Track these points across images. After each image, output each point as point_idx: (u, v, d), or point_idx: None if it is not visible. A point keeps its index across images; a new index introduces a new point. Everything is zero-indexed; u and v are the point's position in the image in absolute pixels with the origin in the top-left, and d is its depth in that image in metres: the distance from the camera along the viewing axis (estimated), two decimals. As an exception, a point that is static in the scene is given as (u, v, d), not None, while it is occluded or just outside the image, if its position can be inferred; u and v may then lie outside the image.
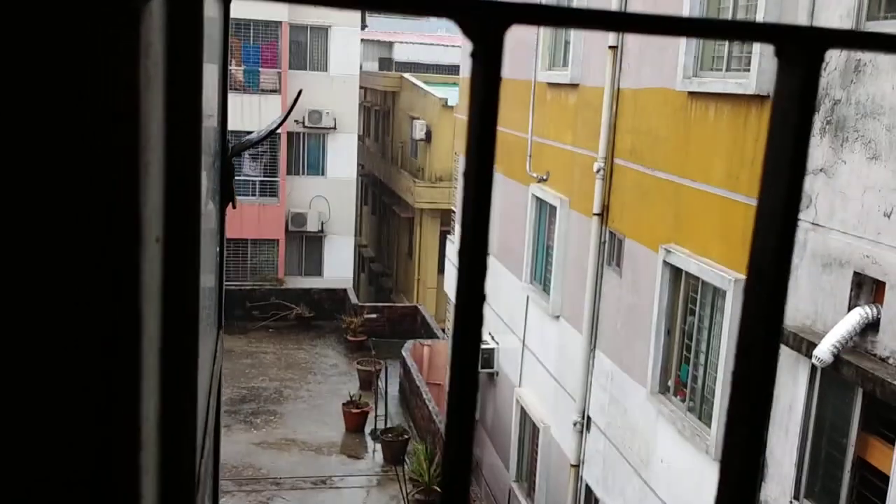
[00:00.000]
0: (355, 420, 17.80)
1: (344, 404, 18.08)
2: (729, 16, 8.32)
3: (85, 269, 0.44)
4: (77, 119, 0.42)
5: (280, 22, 25.68)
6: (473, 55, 0.42)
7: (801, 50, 0.44)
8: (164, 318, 0.60)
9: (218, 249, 1.49)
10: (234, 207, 1.63)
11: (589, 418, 11.19)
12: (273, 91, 25.69)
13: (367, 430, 17.83)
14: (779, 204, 0.45)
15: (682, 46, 8.85)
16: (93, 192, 0.43)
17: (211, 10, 1.17)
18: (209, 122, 1.36)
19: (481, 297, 0.45)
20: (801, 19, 6.97)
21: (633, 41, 10.22)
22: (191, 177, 0.68)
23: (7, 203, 0.42)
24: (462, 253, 0.43)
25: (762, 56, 7.48)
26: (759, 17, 7.51)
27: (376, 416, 17.66)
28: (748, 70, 7.82)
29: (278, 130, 25.50)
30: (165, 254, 0.59)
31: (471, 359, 0.46)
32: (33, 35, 0.42)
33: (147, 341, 0.49)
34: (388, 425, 17.40)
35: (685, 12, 8.79)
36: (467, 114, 0.44)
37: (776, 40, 0.44)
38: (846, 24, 6.50)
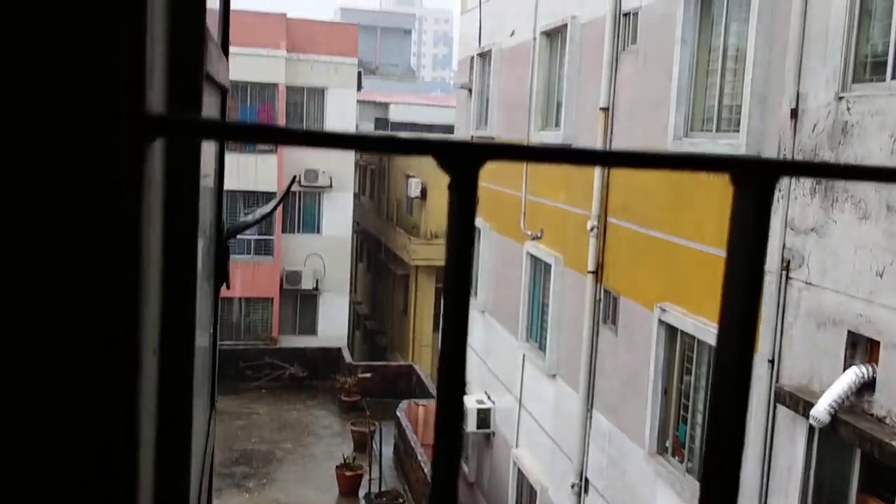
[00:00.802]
0: (349, 483, 17.53)
1: (337, 467, 17.82)
2: (717, 84, 8.49)
3: (82, 386, 0.47)
4: (81, 256, 0.45)
5: (277, 84, 26.08)
6: (450, 187, 0.45)
7: (754, 179, 0.47)
8: (159, 419, 0.62)
9: (212, 331, 1.51)
10: (227, 288, 1.66)
11: (587, 480, 11.06)
12: (269, 151, 25.93)
13: (362, 493, 17.54)
14: (736, 319, 0.48)
15: (673, 107, 9.01)
16: (93, 312, 0.46)
17: (209, 104, 1.22)
18: (207, 200, 1.40)
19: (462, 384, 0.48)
20: (788, 84, 7.12)
21: (624, 102, 10.40)
22: (186, 291, 0.71)
23: (8, 327, 0.45)
24: (440, 373, 0.46)
25: (751, 117, 7.61)
26: (747, 83, 7.67)
27: (370, 479, 17.40)
28: (737, 131, 7.96)
29: (274, 190, 25.67)
30: (161, 365, 0.62)
31: (455, 420, 0.49)
32: (41, 174, 0.45)
33: (143, 452, 0.52)
34: (383, 488, 17.14)
35: (673, 84, 8.96)
36: (445, 239, 0.47)
37: (730, 170, 0.48)
38: (832, 87, 6.64)
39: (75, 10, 0.45)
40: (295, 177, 4.09)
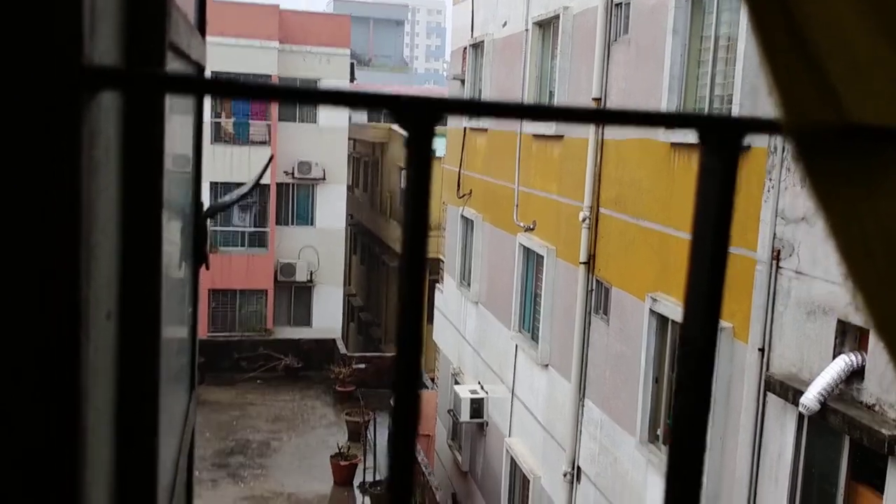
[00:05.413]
0: (344, 472, 17.58)
1: (332, 456, 17.87)
2: (708, 73, 8.48)
3: (17, 350, 0.46)
4: (11, 205, 0.44)
5: (270, 75, 26.00)
6: (407, 144, 0.44)
7: (721, 136, 0.46)
8: (119, 393, 0.61)
9: (191, 310, 1.50)
10: (206, 269, 1.64)
11: (579, 468, 11.09)
12: (262, 143, 25.88)
13: (356, 482, 17.59)
14: (703, 285, 0.47)
15: (665, 96, 9.00)
16: (28, 274, 0.45)
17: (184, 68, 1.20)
18: (182, 180, 1.38)
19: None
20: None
21: (616, 91, 10.39)
22: (149, 252, 0.70)
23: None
24: (398, 338, 0.45)
25: (742, 106, 7.61)
26: (738, 72, 7.67)
27: (365, 468, 17.44)
28: (729, 121, 7.95)
29: (268, 182, 25.63)
30: (121, 328, 0.60)
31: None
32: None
33: (95, 415, 0.50)
34: (378, 477, 17.19)
35: (665, 74, 8.95)
36: (404, 195, 0.46)
37: (698, 128, 0.47)
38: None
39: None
40: (272, 156, 4.08)
